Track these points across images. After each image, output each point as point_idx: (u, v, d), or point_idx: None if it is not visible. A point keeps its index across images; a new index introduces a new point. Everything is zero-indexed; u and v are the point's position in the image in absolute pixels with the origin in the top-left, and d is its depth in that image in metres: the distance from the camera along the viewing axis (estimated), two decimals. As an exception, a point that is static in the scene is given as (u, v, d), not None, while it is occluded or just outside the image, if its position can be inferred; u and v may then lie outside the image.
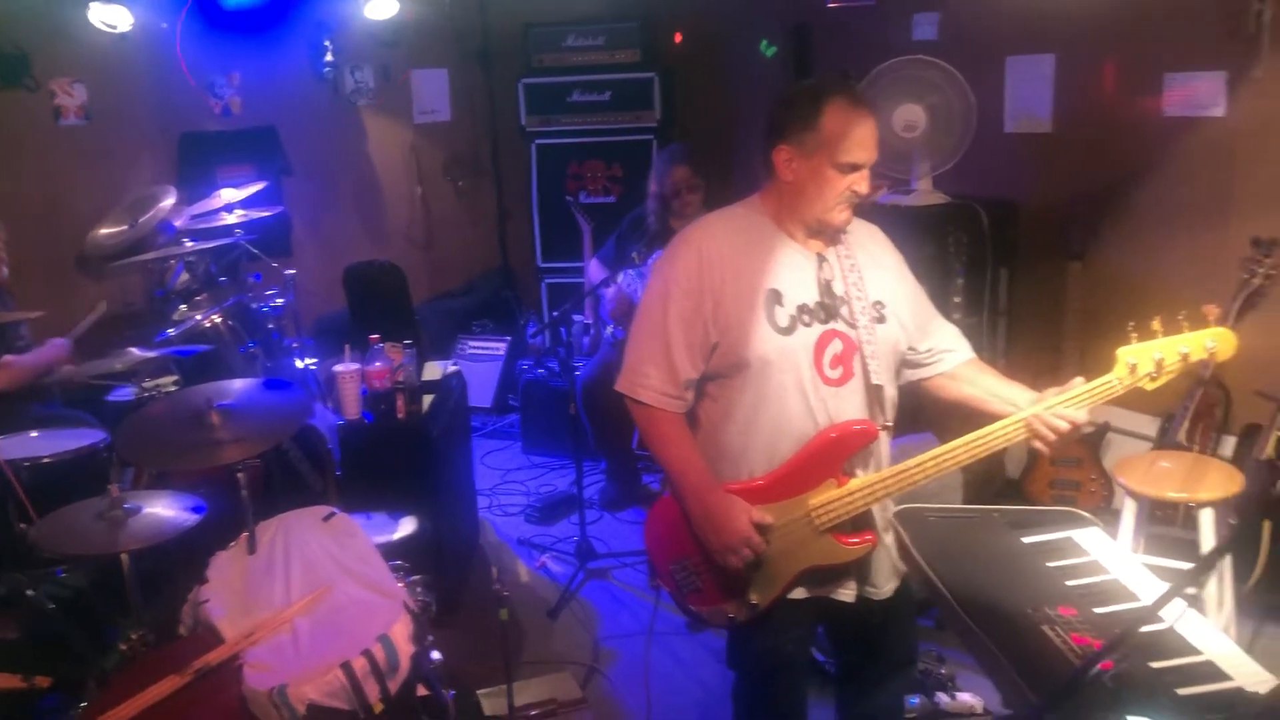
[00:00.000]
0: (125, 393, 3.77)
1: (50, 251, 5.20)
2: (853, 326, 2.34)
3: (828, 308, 2.34)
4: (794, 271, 2.35)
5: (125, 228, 5.10)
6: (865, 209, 2.46)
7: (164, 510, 2.79)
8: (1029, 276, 4.75)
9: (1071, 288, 4.36)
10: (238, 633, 2.42)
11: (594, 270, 5.00)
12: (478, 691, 3.32)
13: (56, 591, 3.00)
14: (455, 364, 4.63)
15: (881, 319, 2.38)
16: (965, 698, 3.26)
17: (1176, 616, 1.84)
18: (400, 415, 3.88)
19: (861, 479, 2.32)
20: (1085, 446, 4.22)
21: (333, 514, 2.89)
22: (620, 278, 4.61)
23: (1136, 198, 4.37)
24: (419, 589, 2.77)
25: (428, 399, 4.05)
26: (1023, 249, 4.75)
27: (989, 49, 4.77)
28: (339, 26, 5.95)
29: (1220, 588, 3.32)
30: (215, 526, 2.83)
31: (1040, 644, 1.81)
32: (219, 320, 3.92)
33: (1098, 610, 1.94)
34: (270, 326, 4.21)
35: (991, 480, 4.39)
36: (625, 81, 6.17)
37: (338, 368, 3.84)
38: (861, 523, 2.34)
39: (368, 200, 6.41)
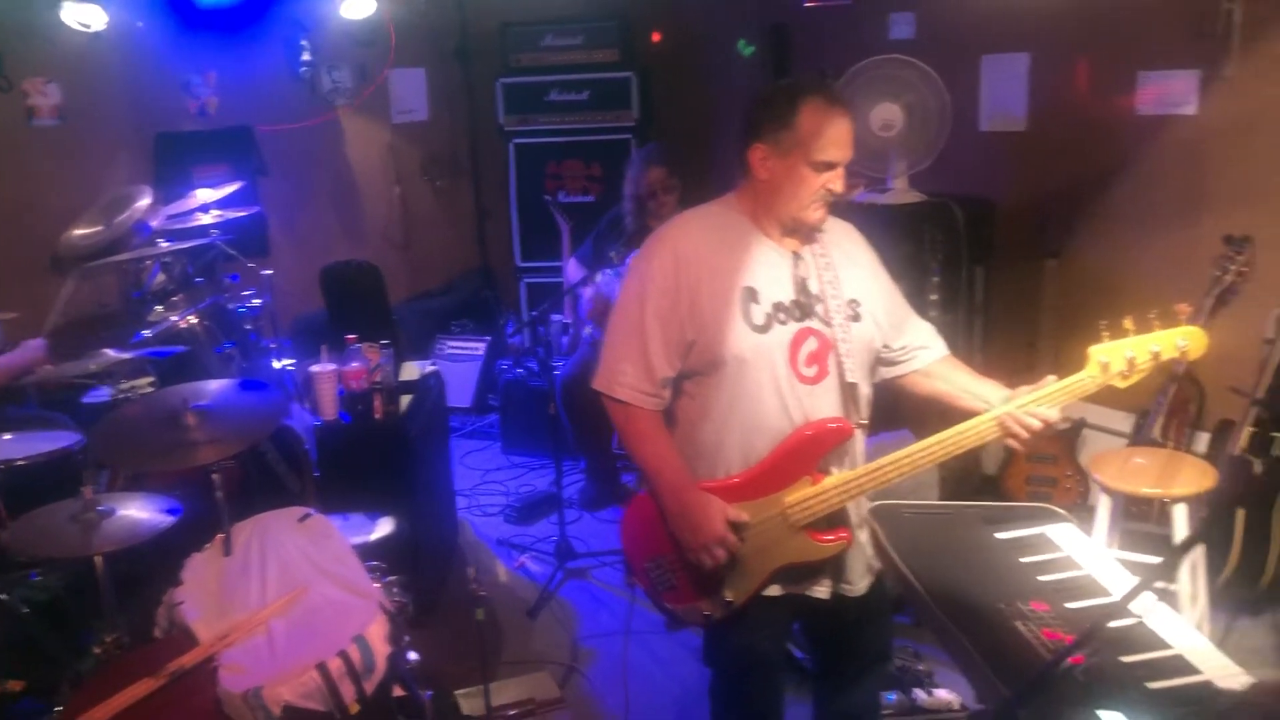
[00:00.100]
0: (101, 394, 3.74)
1: (24, 253, 5.15)
2: (828, 324, 2.35)
3: (803, 306, 2.35)
4: (770, 269, 2.35)
5: (100, 228, 5.04)
6: (842, 207, 2.47)
7: (139, 512, 2.77)
8: (1005, 274, 4.78)
9: (1047, 285, 4.40)
10: (213, 634, 2.40)
11: (572, 270, 5.00)
12: (456, 692, 3.31)
13: (30, 595, 2.99)
14: (433, 364, 4.62)
15: (856, 317, 2.39)
16: (942, 694, 3.27)
17: (1147, 611, 1.85)
18: (378, 415, 3.86)
19: (836, 476, 2.32)
20: (1061, 443, 4.25)
21: (309, 515, 2.87)
22: (598, 277, 4.61)
23: (1111, 196, 4.41)
24: (396, 589, 2.76)
25: (405, 399, 4.04)
26: (998, 247, 4.78)
27: (965, 48, 4.80)
28: (316, 26, 5.93)
29: (1194, 583, 3.35)
30: (191, 528, 2.81)
31: (1012, 639, 1.83)
32: (195, 321, 3.89)
33: (1069, 605, 1.95)
34: (247, 327, 4.19)
35: (969, 477, 4.41)
36: (603, 81, 6.18)
37: (314, 368, 3.82)
38: (836, 520, 2.35)
39: (345, 200, 6.39)
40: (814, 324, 2.34)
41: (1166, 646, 1.83)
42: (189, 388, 2.97)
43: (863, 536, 2.43)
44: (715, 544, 2.30)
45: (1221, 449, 3.77)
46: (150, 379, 3.63)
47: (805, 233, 2.39)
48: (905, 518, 2.35)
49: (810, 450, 2.32)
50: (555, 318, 5.32)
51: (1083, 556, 2.17)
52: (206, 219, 4.41)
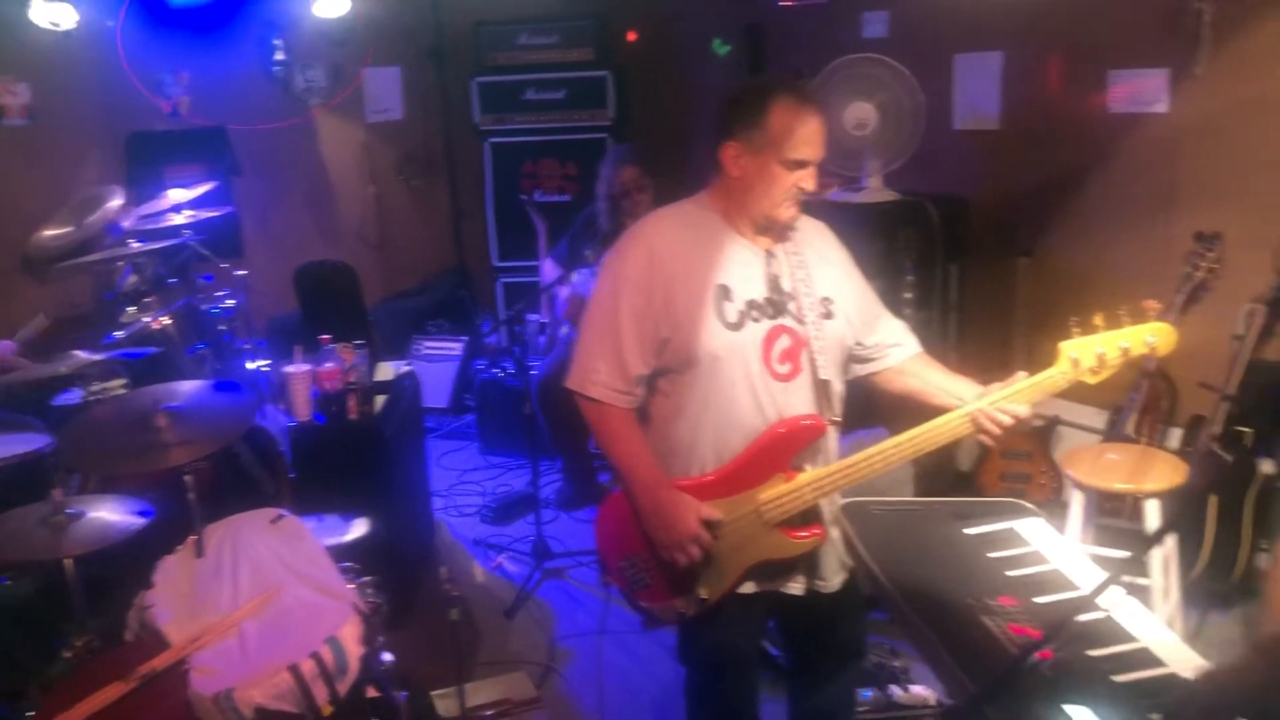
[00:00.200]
0: (72, 396, 3.71)
1: (-7, 254, 5.12)
2: (801, 322, 2.36)
3: (776, 304, 2.36)
4: (743, 267, 2.36)
5: (71, 229, 4.99)
6: (816, 206, 2.48)
7: (109, 515, 2.75)
8: (979, 272, 4.80)
9: (1020, 283, 4.43)
10: (184, 637, 2.38)
11: (548, 269, 4.99)
12: (432, 692, 3.30)
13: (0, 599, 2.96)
14: (409, 364, 4.60)
15: (829, 315, 2.40)
16: (918, 690, 3.28)
17: (1114, 605, 1.87)
18: (352, 416, 3.84)
19: (810, 474, 2.33)
20: (1035, 439, 4.28)
21: (281, 516, 2.86)
22: (574, 277, 4.60)
23: (1083, 193, 4.44)
24: (370, 590, 2.74)
25: (380, 399, 4.02)
26: (972, 245, 4.80)
27: (938, 47, 4.82)
28: (289, 25, 5.91)
29: (1167, 578, 3.37)
30: (164, 530, 2.79)
31: (979, 634, 1.83)
32: (168, 322, 3.86)
33: (1037, 600, 1.96)
34: (221, 328, 4.17)
35: (943, 473, 4.43)
36: (579, 80, 6.18)
37: (288, 369, 3.81)
38: (810, 517, 2.36)
39: (320, 200, 6.36)
40: (787, 321, 2.35)
41: (1133, 640, 1.84)
42: (161, 389, 2.95)
43: (836, 533, 2.44)
44: (689, 542, 2.30)
45: (1194, 444, 3.80)
46: (122, 381, 3.59)
47: (778, 231, 2.40)
48: (874, 514, 2.35)
49: (784, 447, 2.33)
50: (531, 317, 5.31)
51: (1051, 551, 2.18)
52: (179, 219, 4.38)
